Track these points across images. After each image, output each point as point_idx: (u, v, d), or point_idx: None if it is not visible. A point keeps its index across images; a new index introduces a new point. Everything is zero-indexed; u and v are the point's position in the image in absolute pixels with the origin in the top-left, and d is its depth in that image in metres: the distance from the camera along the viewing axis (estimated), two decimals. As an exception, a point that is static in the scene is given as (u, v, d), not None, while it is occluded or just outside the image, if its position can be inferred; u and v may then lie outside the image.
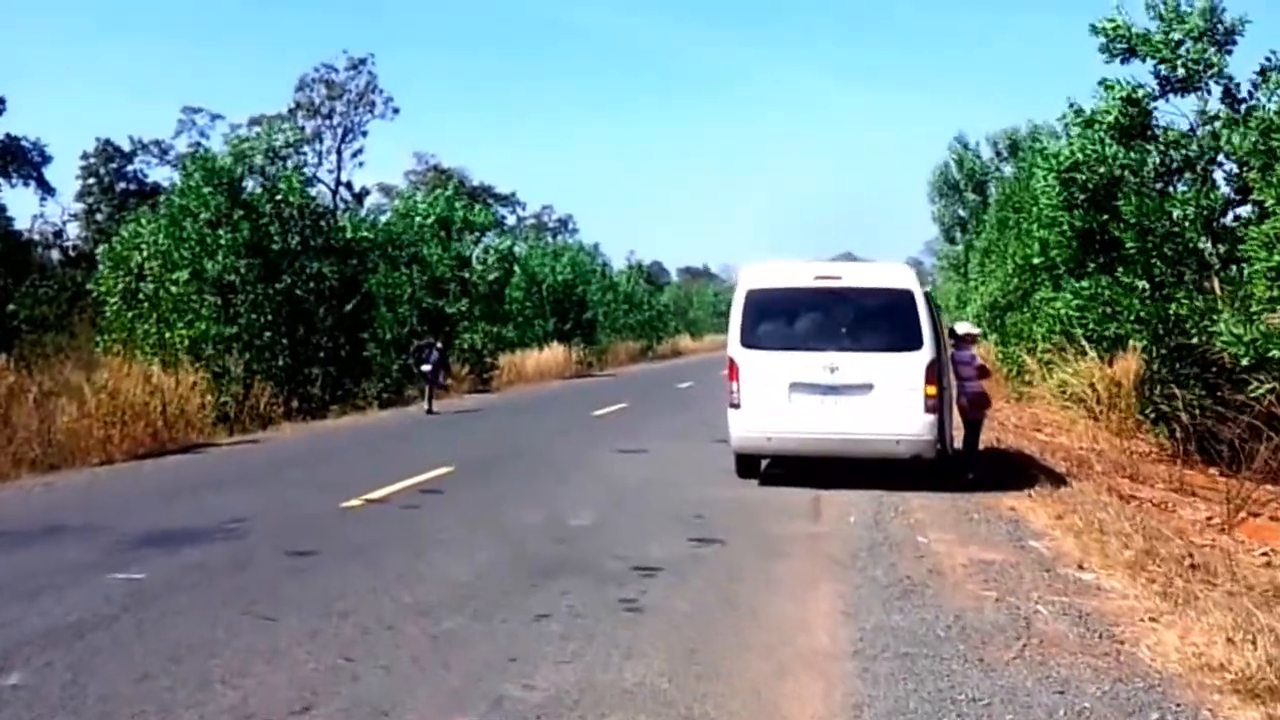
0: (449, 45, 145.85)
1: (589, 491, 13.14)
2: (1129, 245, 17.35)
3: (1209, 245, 17.19)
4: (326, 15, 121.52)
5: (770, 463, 14.17)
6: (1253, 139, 15.52)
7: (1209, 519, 12.92)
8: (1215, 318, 15.83)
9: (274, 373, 25.39)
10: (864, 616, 7.38)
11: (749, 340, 13.26)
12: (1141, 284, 17.63)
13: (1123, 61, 16.94)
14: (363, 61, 63.76)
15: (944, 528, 10.64)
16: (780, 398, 12.91)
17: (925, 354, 12.64)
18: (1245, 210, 17.40)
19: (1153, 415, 18.19)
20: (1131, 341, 18.17)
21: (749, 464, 13.86)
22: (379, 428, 22.94)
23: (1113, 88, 16.79)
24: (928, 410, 12.54)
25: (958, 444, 14.11)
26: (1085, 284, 18.30)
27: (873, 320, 13.16)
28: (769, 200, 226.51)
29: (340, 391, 27.52)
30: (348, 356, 28.43)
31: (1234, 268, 17.21)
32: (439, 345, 26.89)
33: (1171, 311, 17.28)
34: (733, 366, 13.25)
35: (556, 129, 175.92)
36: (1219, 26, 16.48)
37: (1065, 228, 18.73)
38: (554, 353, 44.06)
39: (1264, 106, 15.88)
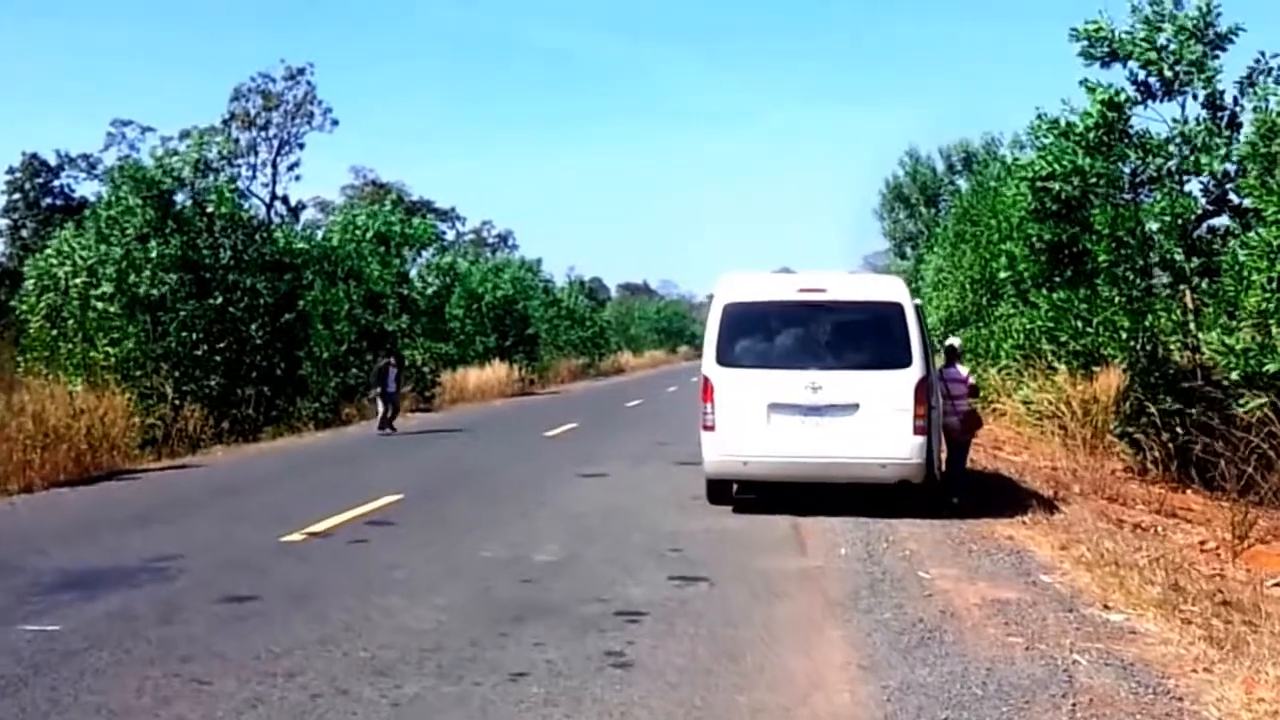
0: (386, 60, 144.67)
1: (551, 521, 12.23)
2: (1101, 258, 16.74)
3: (1183, 257, 16.61)
4: (262, 30, 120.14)
5: (741, 488, 13.27)
6: (1250, 141, 14.94)
7: (1202, 544, 12.30)
8: (1198, 331, 15.25)
9: (205, 393, 24.21)
10: (885, 671, 6.52)
11: (725, 358, 12.37)
12: (1116, 295, 17.01)
13: (1103, 66, 16.33)
14: (301, 71, 62.32)
15: (944, 561, 9.83)
16: (758, 419, 12.03)
17: (914, 372, 11.82)
18: (1220, 221, 16.87)
19: (1119, 433, 17.61)
20: (1108, 353, 17.57)
21: (721, 490, 12.98)
22: (317, 450, 21.80)
23: (1094, 89, 16.16)
24: (916, 432, 11.72)
25: (943, 467, 13.32)
26: (1061, 294, 17.67)
27: (859, 336, 12.36)
28: (709, 215, 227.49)
29: (275, 412, 26.36)
30: (282, 375, 27.31)
31: (1206, 281, 16.66)
32: (393, 362, 25.79)
33: (1149, 324, 16.70)
34: (707, 386, 12.33)
35: (496, 144, 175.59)
36: (1210, 31, 15.90)
37: (1034, 240, 18.08)
38: (495, 370, 42.96)
39: (1260, 109, 15.28)
